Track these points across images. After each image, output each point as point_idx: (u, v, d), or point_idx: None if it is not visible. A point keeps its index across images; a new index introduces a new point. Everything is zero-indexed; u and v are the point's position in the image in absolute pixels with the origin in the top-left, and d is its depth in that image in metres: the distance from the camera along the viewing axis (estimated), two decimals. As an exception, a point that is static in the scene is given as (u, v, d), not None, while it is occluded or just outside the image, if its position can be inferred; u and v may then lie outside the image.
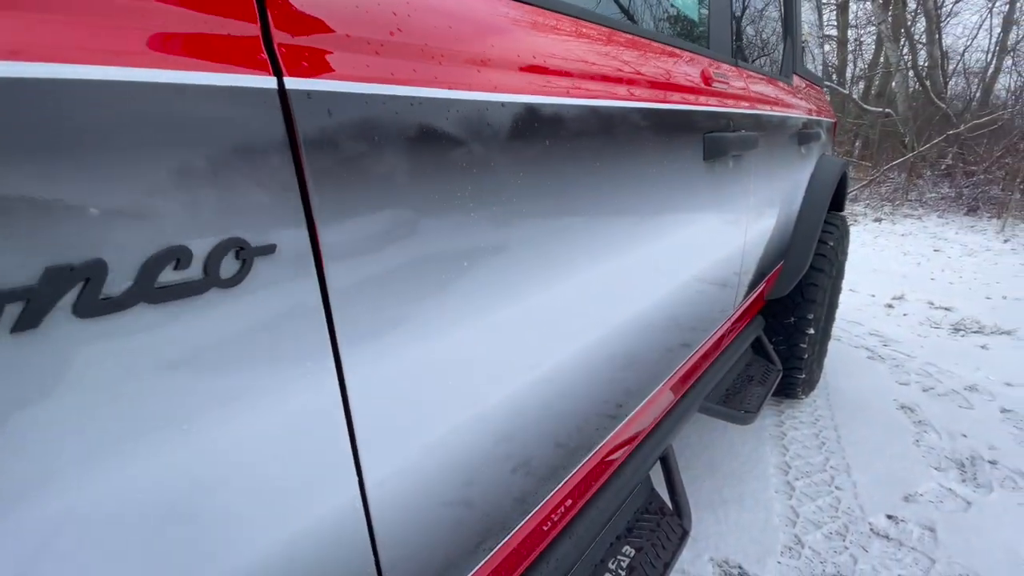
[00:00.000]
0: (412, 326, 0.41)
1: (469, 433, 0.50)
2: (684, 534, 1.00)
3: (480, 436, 0.52)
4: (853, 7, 12.74)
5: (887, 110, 9.71)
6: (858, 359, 2.68)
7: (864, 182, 7.77)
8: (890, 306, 3.49)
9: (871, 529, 1.52)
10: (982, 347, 2.80)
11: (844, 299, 3.67)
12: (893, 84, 10.18)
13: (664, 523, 1.03)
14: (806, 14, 2.19)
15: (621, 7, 0.83)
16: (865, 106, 10.56)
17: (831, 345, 2.86)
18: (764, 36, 1.52)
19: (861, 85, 13.21)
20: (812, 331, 1.89)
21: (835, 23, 12.92)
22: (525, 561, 0.74)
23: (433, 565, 0.50)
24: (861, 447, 1.91)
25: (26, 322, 0.22)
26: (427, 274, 0.42)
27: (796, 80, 1.74)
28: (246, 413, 0.31)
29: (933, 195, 7.03)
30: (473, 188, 0.46)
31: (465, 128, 0.43)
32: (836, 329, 3.11)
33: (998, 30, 10.56)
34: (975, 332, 3.00)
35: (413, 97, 0.39)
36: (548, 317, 0.61)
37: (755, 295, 1.53)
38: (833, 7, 12.76)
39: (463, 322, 0.46)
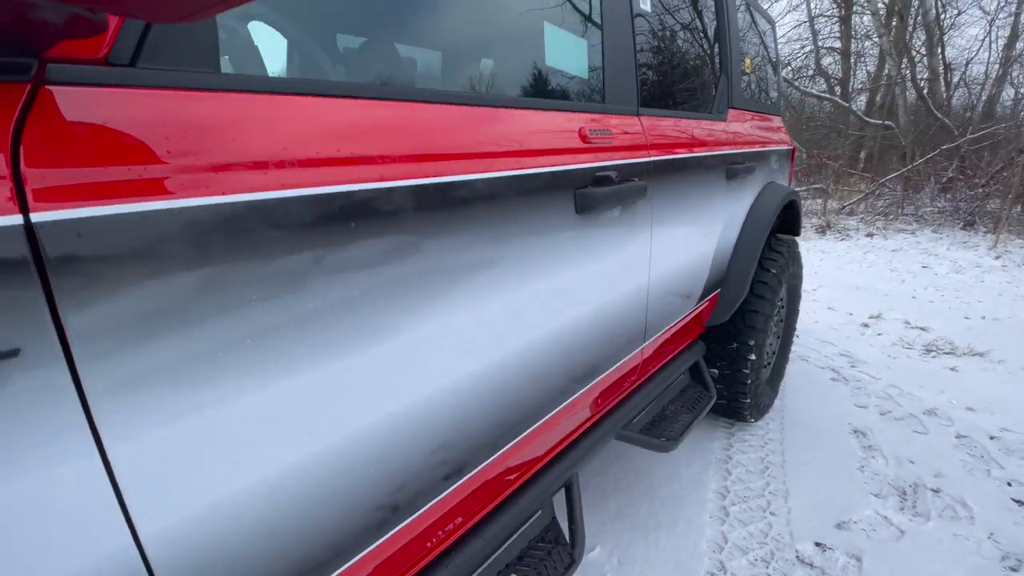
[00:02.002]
0: (186, 398, 0.48)
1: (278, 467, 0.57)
2: (571, 563, 1.05)
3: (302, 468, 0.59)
4: (855, 19, 12.73)
5: (887, 122, 9.67)
6: (821, 380, 2.69)
7: (860, 196, 7.73)
8: (866, 325, 3.49)
9: (797, 556, 1.54)
10: (951, 369, 2.79)
11: (821, 317, 3.68)
12: (896, 96, 10.14)
13: (555, 552, 1.08)
14: (757, 45, 2.25)
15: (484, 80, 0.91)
16: (866, 118, 10.52)
17: (796, 366, 2.88)
18: (689, 78, 1.58)
19: (865, 97, 13.18)
20: (754, 357, 1.93)
21: (838, 34, 12.95)
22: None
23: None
24: (804, 472, 1.93)
25: None
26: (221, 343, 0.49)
27: (733, 115, 1.79)
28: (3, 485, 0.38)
29: (930, 209, 6.98)
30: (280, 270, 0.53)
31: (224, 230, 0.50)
32: (806, 349, 3.13)
33: (1003, 43, 10.48)
34: (947, 353, 2.99)
35: (179, 208, 0.46)
36: (396, 362, 0.67)
37: (679, 326, 1.57)
38: (836, 19, 12.80)
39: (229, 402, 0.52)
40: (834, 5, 12.75)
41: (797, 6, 13.28)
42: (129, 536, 0.46)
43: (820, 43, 13.06)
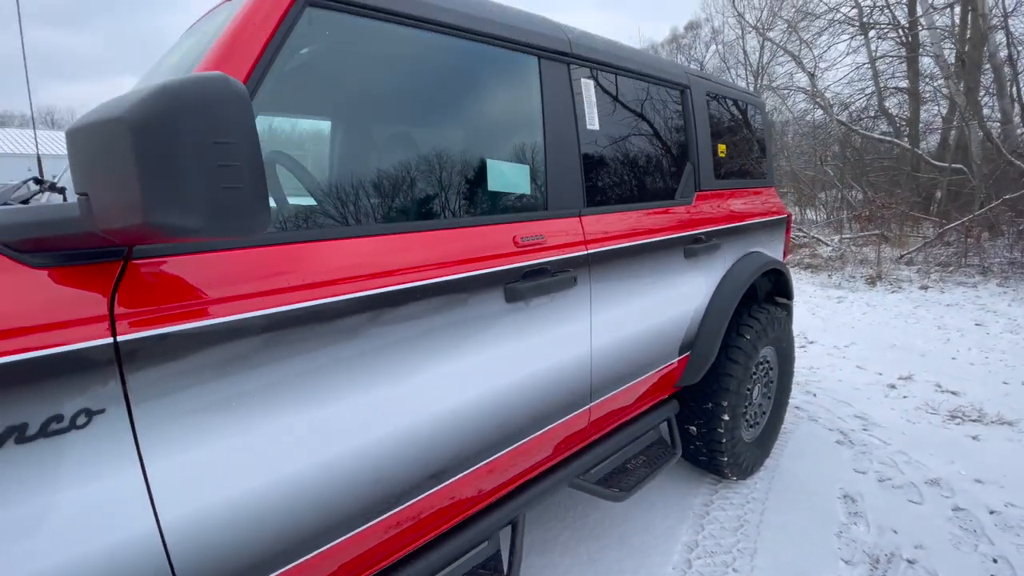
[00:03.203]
0: (213, 437, 0.80)
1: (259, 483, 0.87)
2: (502, 590, 1.27)
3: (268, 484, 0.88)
4: (924, 60, 12.30)
5: (955, 165, 9.17)
6: (825, 443, 2.69)
7: (919, 244, 7.36)
8: (893, 387, 3.40)
9: (747, 612, 1.64)
10: (973, 437, 2.70)
11: (847, 376, 3.62)
12: (966, 138, 9.64)
13: (491, 579, 1.30)
14: (741, 128, 2.46)
15: (441, 207, 1.22)
16: (933, 161, 10.03)
17: (803, 426, 2.89)
18: (648, 172, 1.83)
19: (936, 137, 12.57)
20: (727, 417, 2.05)
21: (904, 73, 12.56)
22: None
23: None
24: (779, 532, 2.00)
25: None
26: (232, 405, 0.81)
27: (700, 197, 2.01)
28: (84, 484, 0.70)
29: (999, 260, 6.53)
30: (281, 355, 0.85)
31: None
32: (819, 409, 3.12)
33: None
34: (973, 420, 2.88)
35: (212, 324, 0.79)
36: (358, 419, 0.97)
37: (642, 386, 1.76)
38: (901, 59, 12.44)
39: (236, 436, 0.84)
40: (898, 46, 12.46)
41: (857, 48, 12.97)
42: (154, 522, 0.77)
43: (883, 84, 12.71)
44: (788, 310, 2.57)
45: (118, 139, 0.56)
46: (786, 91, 14.35)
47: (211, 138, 0.57)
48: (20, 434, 0.65)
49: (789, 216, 2.69)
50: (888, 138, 11.01)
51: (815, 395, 3.33)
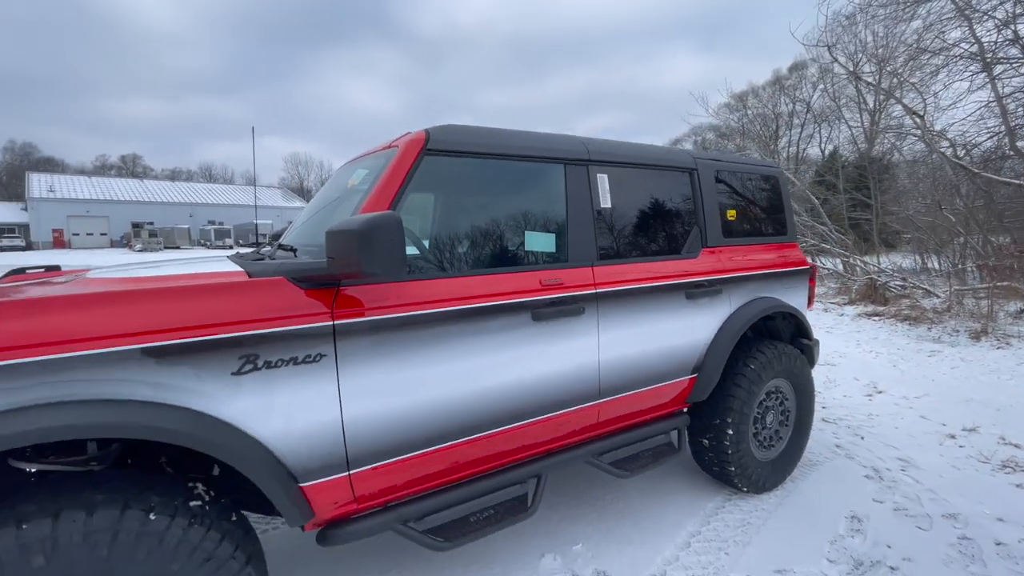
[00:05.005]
0: (383, 379, 1.58)
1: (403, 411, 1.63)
2: (524, 513, 1.89)
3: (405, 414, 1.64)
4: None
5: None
6: (854, 476, 2.91)
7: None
8: (952, 436, 3.43)
9: (726, 581, 2.05)
10: (1016, 486, 2.75)
11: (905, 424, 3.68)
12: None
13: (518, 508, 1.93)
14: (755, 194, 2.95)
15: (498, 258, 1.98)
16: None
17: (837, 461, 3.11)
18: (655, 236, 2.43)
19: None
20: (731, 432, 2.48)
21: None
22: (448, 476, 1.78)
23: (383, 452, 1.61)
24: (776, 534, 2.35)
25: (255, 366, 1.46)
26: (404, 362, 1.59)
27: (706, 252, 2.55)
28: (316, 387, 1.51)
29: None
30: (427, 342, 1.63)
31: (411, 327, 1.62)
32: (863, 449, 3.28)
33: None
34: (1025, 471, 2.90)
35: (368, 320, 1.58)
36: (437, 390, 1.71)
37: (651, 394, 2.31)
38: (1019, 95, 11.36)
39: (399, 380, 1.61)
40: (1033, 82, 11.42)
41: (984, 85, 12.09)
42: (339, 413, 1.56)
43: (1013, 123, 11.66)
44: (805, 349, 2.92)
45: (351, 238, 1.39)
46: (900, 132, 13.58)
47: (388, 238, 1.38)
48: (294, 361, 1.48)
49: (813, 267, 3.06)
50: (1017, 181, 10.01)
51: (863, 438, 3.47)
